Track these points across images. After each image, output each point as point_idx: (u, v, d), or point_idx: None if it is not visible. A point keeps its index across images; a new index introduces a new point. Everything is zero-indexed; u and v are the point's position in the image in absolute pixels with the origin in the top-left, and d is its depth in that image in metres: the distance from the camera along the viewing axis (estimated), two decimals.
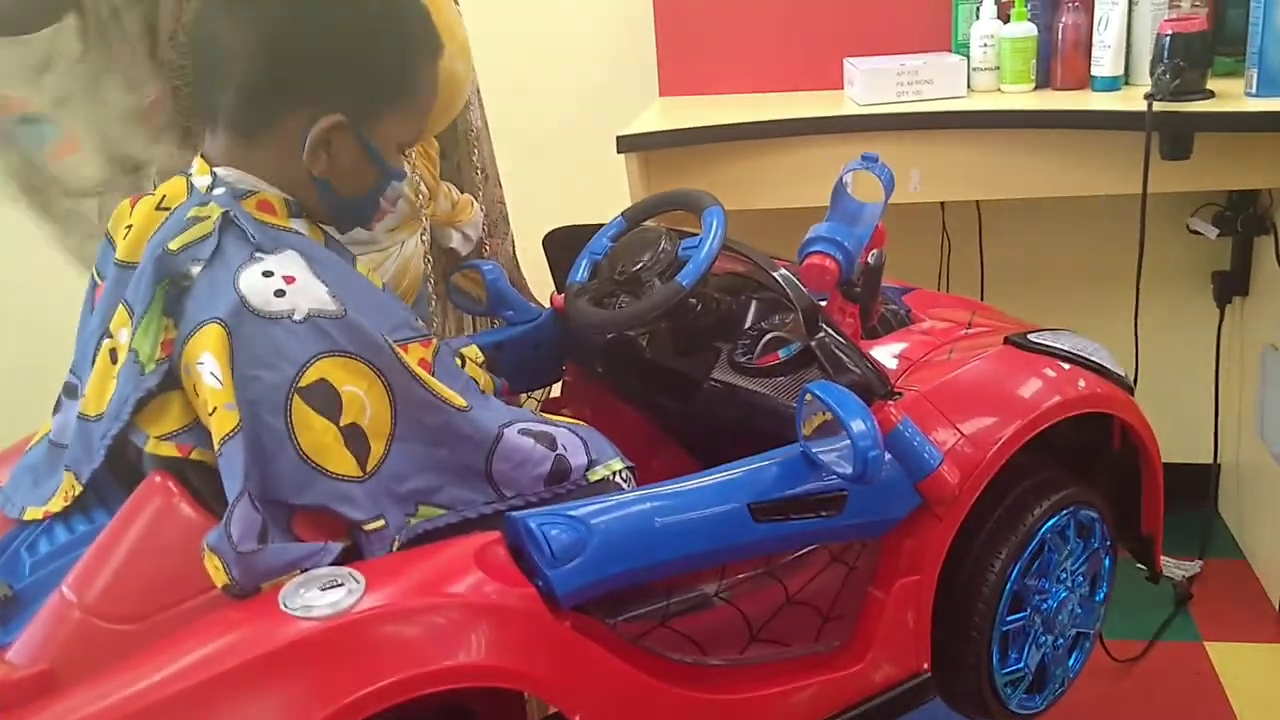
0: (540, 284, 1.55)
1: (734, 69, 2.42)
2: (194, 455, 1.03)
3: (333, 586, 0.95)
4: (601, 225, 1.44)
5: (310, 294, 1.04)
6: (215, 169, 1.12)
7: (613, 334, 1.41)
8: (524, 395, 1.54)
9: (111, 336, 1.09)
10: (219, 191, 1.09)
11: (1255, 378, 2.34)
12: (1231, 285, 2.42)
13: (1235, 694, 2.05)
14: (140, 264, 1.08)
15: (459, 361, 1.26)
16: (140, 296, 1.05)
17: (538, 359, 1.50)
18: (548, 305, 1.50)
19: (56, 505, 1.09)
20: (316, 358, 1.02)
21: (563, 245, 1.49)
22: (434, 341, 1.14)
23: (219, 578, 0.95)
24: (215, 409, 0.98)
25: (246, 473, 0.97)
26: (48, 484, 1.12)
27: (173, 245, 1.06)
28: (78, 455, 1.09)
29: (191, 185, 1.12)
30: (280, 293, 1.03)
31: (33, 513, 1.10)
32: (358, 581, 0.96)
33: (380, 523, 1.04)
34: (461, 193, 1.62)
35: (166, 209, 1.12)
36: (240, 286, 1.02)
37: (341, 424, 1.02)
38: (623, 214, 1.43)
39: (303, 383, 1.01)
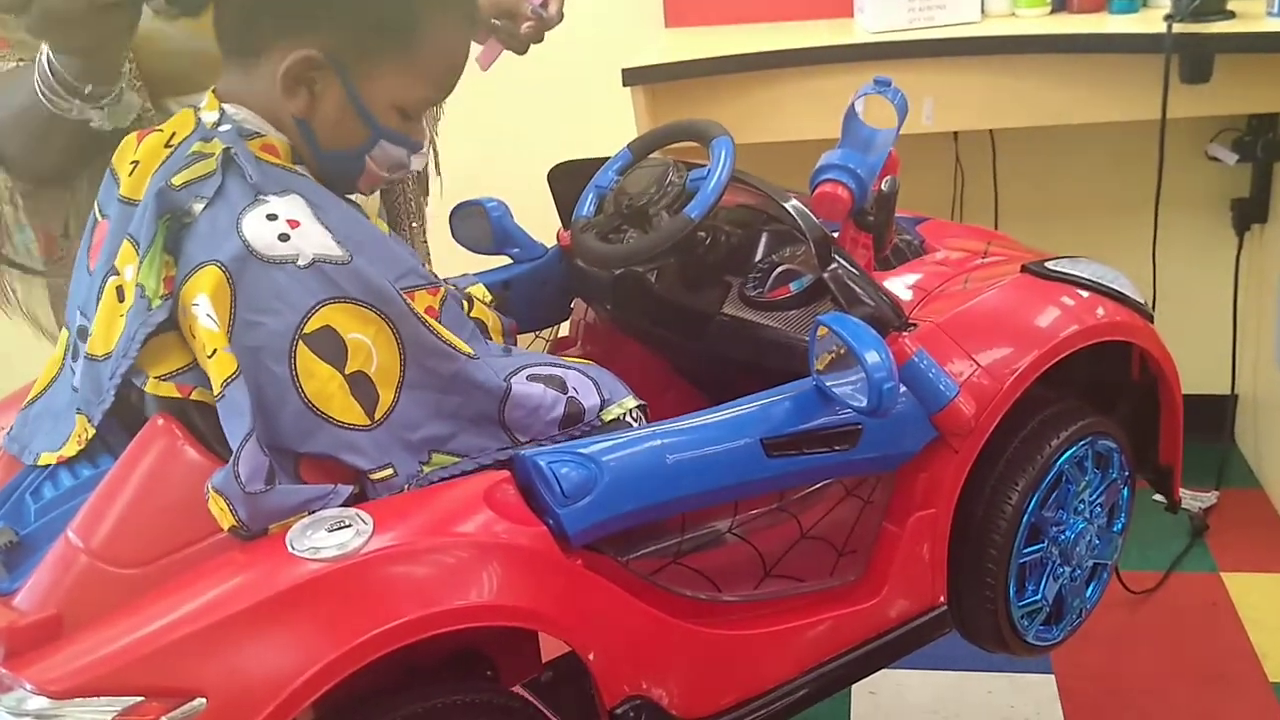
0: (546, 220, 1.52)
1: None
2: (194, 396, 1.01)
3: (340, 527, 0.94)
4: (608, 159, 1.41)
5: (315, 239, 1.02)
6: (224, 105, 1.08)
7: (620, 269, 1.38)
8: (533, 335, 1.52)
9: (118, 274, 1.06)
10: (225, 128, 1.06)
11: (1274, 307, 2.31)
12: (1251, 212, 2.38)
13: (1252, 624, 2.05)
14: (143, 199, 1.05)
15: (466, 305, 1.24)
16: (144, 232, 1.03)
17: (545, 297, 1.48)
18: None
19: (71, 449, 1.07)
20: (321, 304, 1.00)
21: (568, 179, 1.46)
22: (441, 289, 1.11)
23: (225, 520, 0.94)
24: (214, 351, 0.96)
25: (253, 414, 0.95)
26: (64, 428, 1.10)
27: (175, 180, 1.03)
28: (88, 396, 1.07)
29: (198, 120, 1.09)
30: (284, 237, 1.00)
31: (47, 458, 1.08)
32: (366, 522, 0.95)
33: (388, 471, 1.02)
34: None
35: (173, 146, 1.09)
36: (244, 230, 1.00)
37: (346, 372, 1.00)
38: (629, 146, 1.39)
39: (307, 329, 0.99)
